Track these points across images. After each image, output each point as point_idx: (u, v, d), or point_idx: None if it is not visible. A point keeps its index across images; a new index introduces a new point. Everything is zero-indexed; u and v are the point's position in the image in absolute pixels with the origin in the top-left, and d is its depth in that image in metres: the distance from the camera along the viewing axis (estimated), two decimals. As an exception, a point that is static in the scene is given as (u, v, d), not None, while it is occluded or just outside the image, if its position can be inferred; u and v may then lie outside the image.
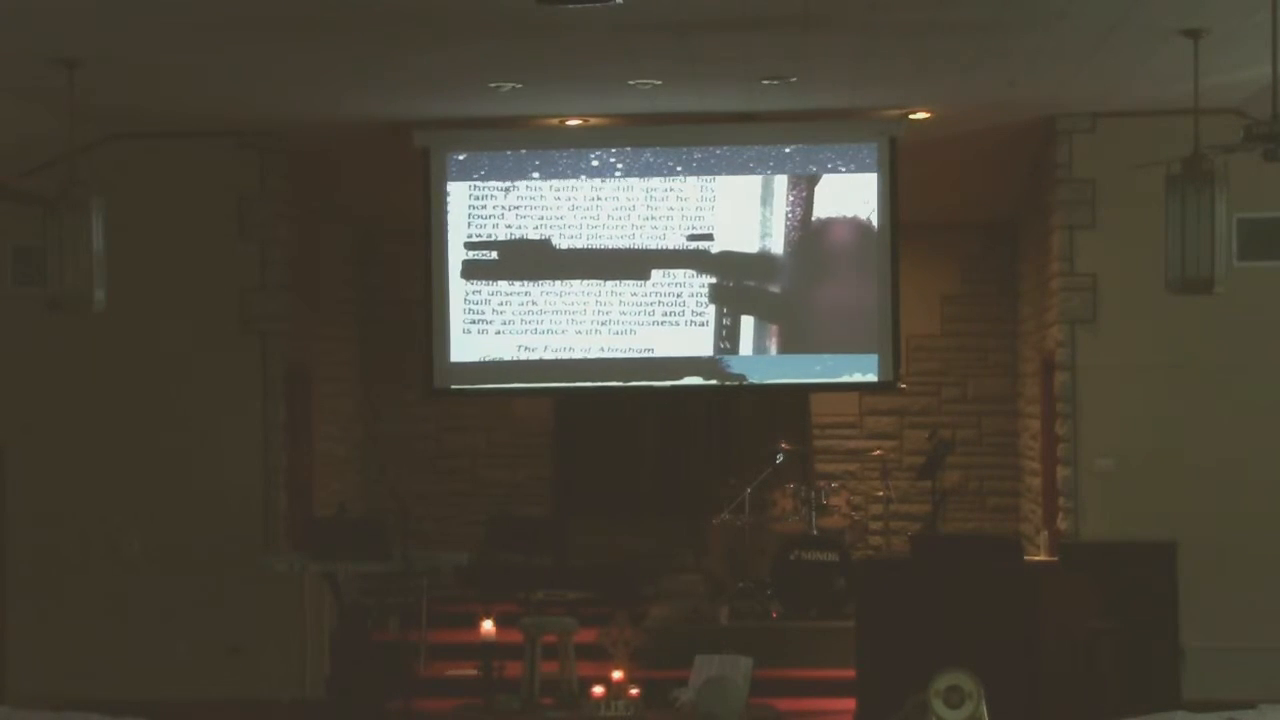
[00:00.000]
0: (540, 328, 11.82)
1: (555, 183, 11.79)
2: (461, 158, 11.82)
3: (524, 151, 11.81)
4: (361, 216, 14.18)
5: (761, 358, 11.80)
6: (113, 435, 11.59)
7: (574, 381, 11.99)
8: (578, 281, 11.81)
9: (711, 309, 11.79)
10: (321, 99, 10.57)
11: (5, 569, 11.63)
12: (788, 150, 11.73)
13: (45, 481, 11.60)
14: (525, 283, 11.82)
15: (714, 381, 11.86)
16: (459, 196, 11.80)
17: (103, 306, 9.15)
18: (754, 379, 11.84)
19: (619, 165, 11.80)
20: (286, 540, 11.63)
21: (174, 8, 8.09)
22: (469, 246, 11.81)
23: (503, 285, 11.83)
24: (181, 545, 11.55)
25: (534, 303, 11.84)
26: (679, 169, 11.79)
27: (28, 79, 9.44)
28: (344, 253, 14.25)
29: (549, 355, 11.83)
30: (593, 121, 11.53)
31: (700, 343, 11.78)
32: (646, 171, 11.77)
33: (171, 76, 9.75)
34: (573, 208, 11.81)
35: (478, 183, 11.81)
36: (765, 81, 10.16)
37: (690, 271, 11.79)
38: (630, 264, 11.80)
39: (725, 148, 11.74)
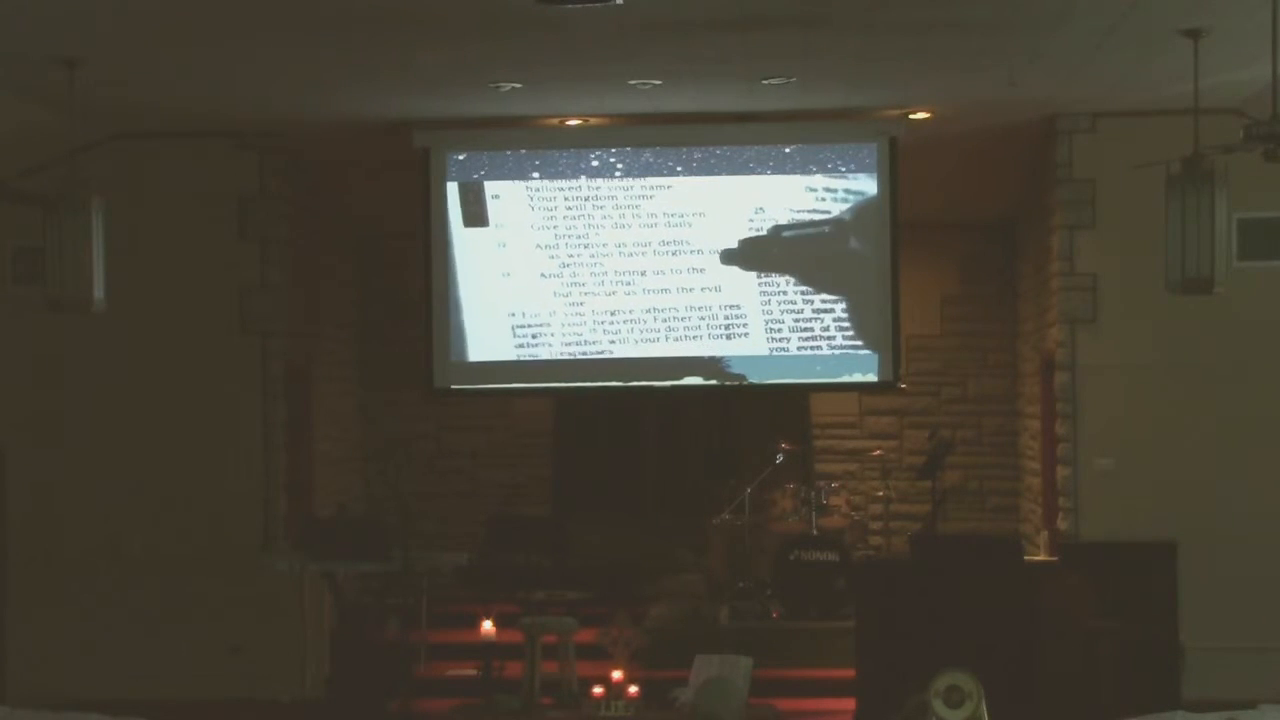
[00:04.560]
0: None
1: (560, 182, 11.82)
2: (461, 158, 11.82)
3: (524, 151, 11.81)
4: (361, 216, 14.18)
5: (761, 357, 11.80)
6: (113, 435, 11.59)
7: (574, 382, 12.00)
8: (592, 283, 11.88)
9: (712, 309, 11.80)
10: (321, 99, 10.57)
11: (5, 569, 11.64)
12: (788, 150, 11.73)
13: (46, 481, 11.60)
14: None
15: (714, 381, 11.87)
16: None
17: (103, 306, 9.16)
18: (754, 379, 11.84)
19: (619, 165, 11.80)
20: (286, 540, 11.62)
21: (174, 7, 8.09)
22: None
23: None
24: (181, 545, 11.55)
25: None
26: (679, 169, 11.79)
27: (28, 78, 9.44)
28: (344, 253, 14.25)
29: (555, 355, 11.86)
30: (593, 121, 11.53)
31: (701, 342, 11.79)
32: (646, 171, 11.77)
33: (172, 76, 9.75)
34: (566, 210, 11.83)
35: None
36: (765, 81, 10.17)
37: (692, 270, 11.80)
38: (632, 264, 11.82)
39: (725, 148, 11.74)
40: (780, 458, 13.10)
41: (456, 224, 11.82)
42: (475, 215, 11.80)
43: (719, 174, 11.77)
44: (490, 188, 11.83)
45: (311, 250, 12.91)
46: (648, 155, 11.80)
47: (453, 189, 11.79)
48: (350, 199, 13.68)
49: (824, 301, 11.76)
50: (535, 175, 11.83)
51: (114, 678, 11.31)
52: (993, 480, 14.49)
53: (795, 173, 11.75)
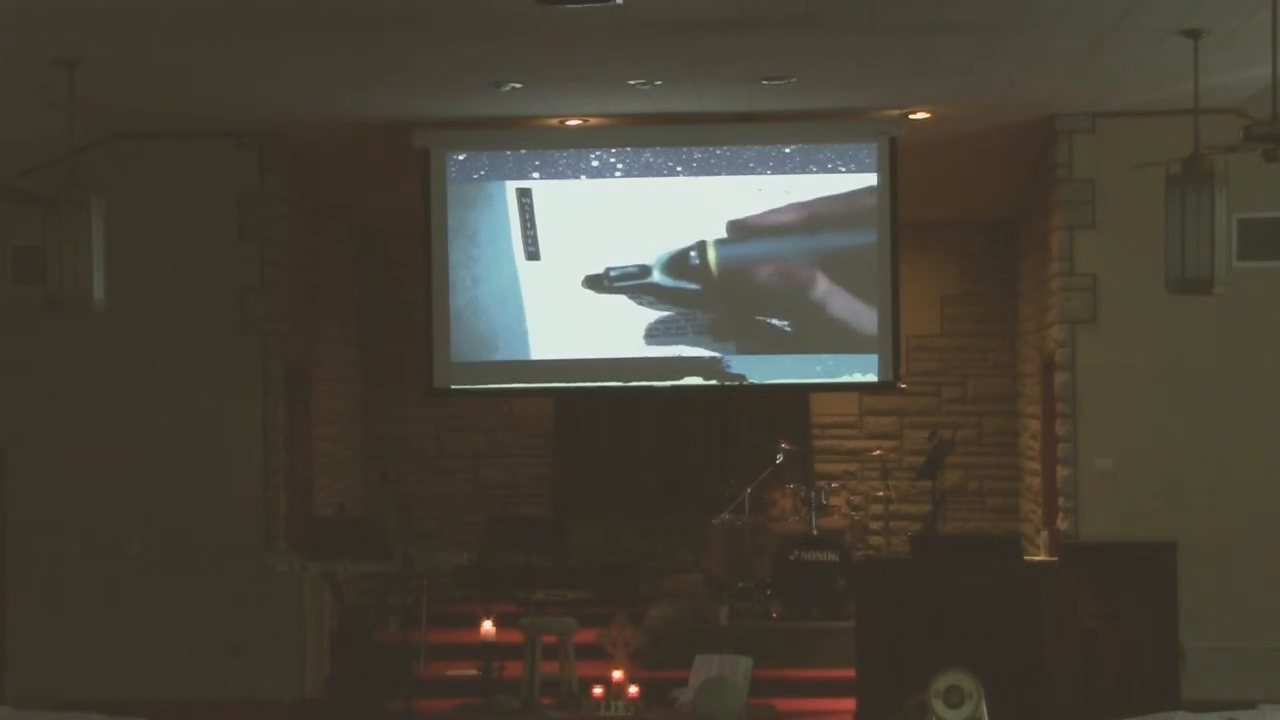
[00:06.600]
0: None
1: (560, 183, 11.82)
2: (461, 158, 11.82)
3: (524, 152, 11.81)
4: (361, 216, 14.18)
5: (761, 357, 11.80)
6: (113, 435, 11.59)
7: (574, 382, 12.00)
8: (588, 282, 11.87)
9: (712, 309, 11.80)
10: (321, 99, 10.57)
11: (5, 569, 11.64)
12: (788, 150, 11.73)
13: (45, 481, 11.60)
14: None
15: (714, 381, 11.87)
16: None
17: (103, 306, 9.15)
18: (754, 379, 11.84)
19: (619, 165, 11.80)
20: (286, 540, 11.63)
21: (174, 8, 8.08)
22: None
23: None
24: (181, 545, 11.56)
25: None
26: (679, 169, 11.79)
27: (28, 79, 9.44)
28: (344, 253, 14.26)
29: (553, 356, 11.86)
30: (593, 121, 11.53)
31: (701, 342, 11.79)
32: (646, 172, 11.78)
33: (171, 76, 9.75)
34: (564, 209, 11.84)
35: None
36: (765, 81, 10.16)
37: (692, 270, 11.80)
38: (633, 265, 11.82)
39: (725, 148, 11.74)
40: (780, 458, 13.10)
41: (457, 229, 11.82)
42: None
43: (719, 174, 11.78)
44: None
45: (311, 250, 12.91)
46: (648, 155, 11.80)
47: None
48: (350, 199, 13.69)
49: (824, 301, 11.75)
50: (535, 175, 11.83)
51: (114, 678, 11.30)
52: (993, 480, 14.49)
53: (795, 173, 11.75)
